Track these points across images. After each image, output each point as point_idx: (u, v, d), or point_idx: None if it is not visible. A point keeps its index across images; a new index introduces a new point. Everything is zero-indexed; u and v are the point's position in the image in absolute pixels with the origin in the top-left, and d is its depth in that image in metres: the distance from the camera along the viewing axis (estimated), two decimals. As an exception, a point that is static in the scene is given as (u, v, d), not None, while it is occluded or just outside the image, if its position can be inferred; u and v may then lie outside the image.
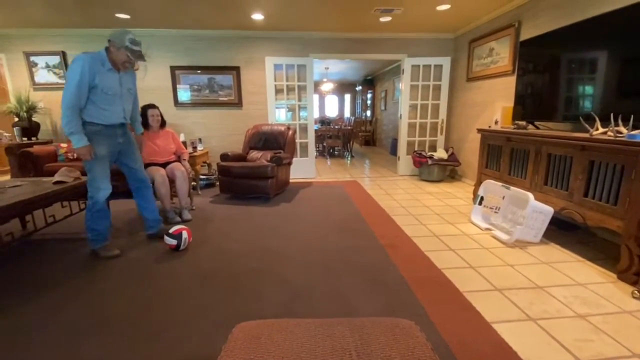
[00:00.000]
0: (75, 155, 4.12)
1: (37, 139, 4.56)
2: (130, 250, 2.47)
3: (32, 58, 4.55)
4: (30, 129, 4.45)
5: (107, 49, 2.16)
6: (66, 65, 4.60)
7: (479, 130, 3.49)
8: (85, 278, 2.05)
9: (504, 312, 1.68)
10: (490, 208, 2.99)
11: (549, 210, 2.41)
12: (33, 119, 4.50)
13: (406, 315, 1.64)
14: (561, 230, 2.80)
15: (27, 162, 3.84)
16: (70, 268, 2.18)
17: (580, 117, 2.43)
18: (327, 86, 9.39)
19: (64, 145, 4.11)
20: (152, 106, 3.20)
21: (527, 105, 3.15)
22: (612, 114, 2.11)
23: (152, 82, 4.75)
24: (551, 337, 1.49)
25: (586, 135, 2.23)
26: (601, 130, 2.20)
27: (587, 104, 2.53)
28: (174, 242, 2.39)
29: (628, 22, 2.19)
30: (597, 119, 2.26)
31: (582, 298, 1.81)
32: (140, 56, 2.20)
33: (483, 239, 2.66)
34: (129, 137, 2.47)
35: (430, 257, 2.32)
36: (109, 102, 2.20)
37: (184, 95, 4.88)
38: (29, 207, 2.15)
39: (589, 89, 2.52)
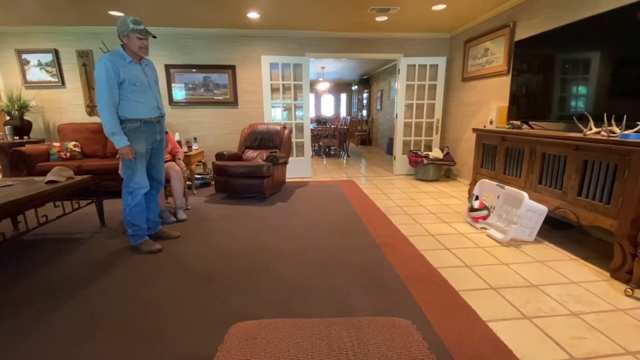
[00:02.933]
0: (68, 154, 4.07)
1: (29, 138, 4.49)
2: (124, 250, 2.44)
3: (24, 56, 4.48)
4: (22, 128, 4.38)
5: (122, 45, 2.22)
6: (59, 63, 4.54)
7: (474, 130, 3.51)
8: (79, 279, 2.02)
9: (499, 311, 1.69)
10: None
11: (543, 209, 2.43)
12: (25, 117, 4.44)
13: (402, 315, 1.64)
14: (555, 229, 2.82)
15: (19, 161, 3.79)
16: (64, 269, 2.16)
17: (574, 117, 2.45)
18: (323, 85, 9.38)
19: (56, 144, 4.05)
20: None
21: (522, 105, 3.17)
22: (605, 114, 2.13)
23: (146, 80, 4.71)
24: (546, 335, 1.51)
25: (580, 135, 2.25)
26: (595, 130, 2.22)
27: (581, 104, 2.55)
28: (484, 213, 2.83)
29: (621, 23, 2.21)
30: (590, 119, 2.28)
31: (576, 296, 1.83)
32: (148, 32, 2.21)
33: (478, 237, 2.67)
34: (163, 135, 2.52)
35: (426, 256, 2.33)
36: (140, 93, 2.24)
37: (179, 94, 4.84)
38: (21, 207, 2.12)
39: (582, 89, 2.54)
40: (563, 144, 2.36)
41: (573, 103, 2.63)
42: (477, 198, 3.00)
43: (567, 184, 2.34)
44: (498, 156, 3.14)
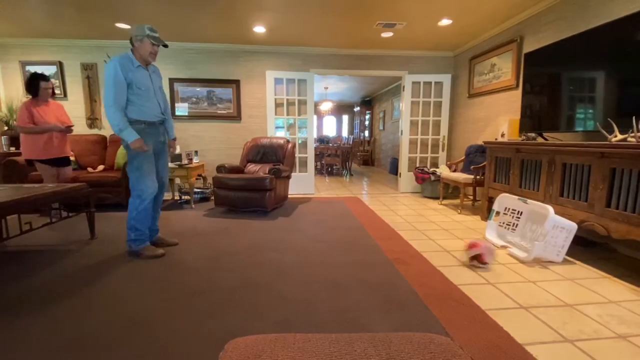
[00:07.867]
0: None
1: (26, 149, 4.37)
2: (113, 263, 2.24)
3: (28, 67, 4.45)
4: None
5: (132, 49, 2.24)
6: (62, 75, 4.51)
7: (486, 143, 3.39)
8: (59, 293, 1.81)
9: (535, 333, 1.47)
10: (507, 224, 2.77)
11: (571, 226, 2.23)
12: (23, 128, 4.34)
13: (425, 336, 1.42)
14: (578, 247, 2.62)
15: (12, 171, 3.65)
16: (43, 281, 1.95)
17: (598, 124, 2.33)
18: (326, 105, 9.44)
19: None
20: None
21: (535, 117, 3.06)
22: (634, 118, 2.00)
23: (149, 93, 4.66)
24: (596, 361, 1.29)
25: (605, 142, 2.12)
26: (620, 136, 2.09)
27: (598, 113, 2.44)
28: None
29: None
30: (614, 125, 2.16)
31: (619, 317, 1.62)
32: (161, 40, 2.25)
33: (498, 254, 2.47)
34: (166, 139, 2.51)
35: (443, 272, 2.13)
36: (145, 98, 2.26)
37: (182, 111, 4.77)
38: (3, 212, 1.95)
39: (599, 98, 2.44)
40: (587, 152, 2.22)
41: (589, 112, 2.52)
42: (497, 214, 2.81)
43: (594, 195, 2.17)
44: (513, 169, 3.00)
